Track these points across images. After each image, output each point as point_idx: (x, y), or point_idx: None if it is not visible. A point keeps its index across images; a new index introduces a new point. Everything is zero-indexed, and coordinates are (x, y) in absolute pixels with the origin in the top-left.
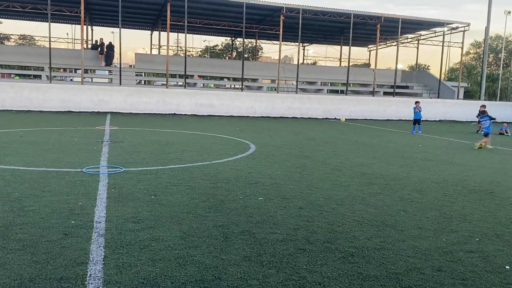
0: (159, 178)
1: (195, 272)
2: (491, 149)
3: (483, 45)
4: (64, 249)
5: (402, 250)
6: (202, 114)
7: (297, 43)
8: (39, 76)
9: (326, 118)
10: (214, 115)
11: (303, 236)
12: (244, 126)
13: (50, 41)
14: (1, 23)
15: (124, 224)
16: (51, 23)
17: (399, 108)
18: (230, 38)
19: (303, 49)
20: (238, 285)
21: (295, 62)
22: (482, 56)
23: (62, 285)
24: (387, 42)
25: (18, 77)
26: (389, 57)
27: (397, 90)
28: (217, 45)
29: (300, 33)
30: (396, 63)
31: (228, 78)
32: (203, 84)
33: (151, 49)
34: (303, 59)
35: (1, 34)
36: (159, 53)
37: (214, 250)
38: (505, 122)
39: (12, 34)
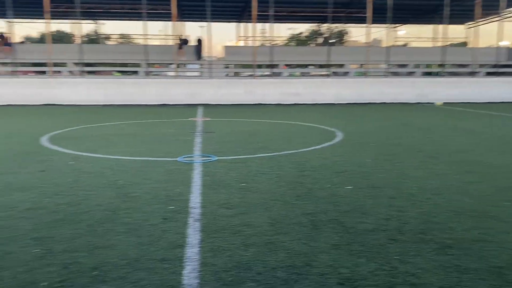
0: (249, 166)
1: (286, 258)
2: None
3: None
4: (164, 233)
5: (507, 242)
6: (288, 103)
7: (386, 25)
8: (137, 72)
9: (419, 103)
10: (300, 104)
11: (394, 227)
12: (330, 113)
13: (145, 38)
14: (104, 24)
15: (218, 209)
16: (146, 22)
17: (503, 89)
18: (315, 24)
19: (393, 31)
20: (328, 272)
21: (385, 45)
22: None
23: (164, 266)
24: (488, 18)
25: (119, 74)
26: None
27: (502, 70)
28: (301, 33)
29: (390, 14)
30: (499, 41)
31: (314, 65)
32: (289, 72)
33: (238, 41)
34: (394, 41)
35: (103, 34)
36: (245, 44)
37: (303, 237)
38: None
39: (112, 34)
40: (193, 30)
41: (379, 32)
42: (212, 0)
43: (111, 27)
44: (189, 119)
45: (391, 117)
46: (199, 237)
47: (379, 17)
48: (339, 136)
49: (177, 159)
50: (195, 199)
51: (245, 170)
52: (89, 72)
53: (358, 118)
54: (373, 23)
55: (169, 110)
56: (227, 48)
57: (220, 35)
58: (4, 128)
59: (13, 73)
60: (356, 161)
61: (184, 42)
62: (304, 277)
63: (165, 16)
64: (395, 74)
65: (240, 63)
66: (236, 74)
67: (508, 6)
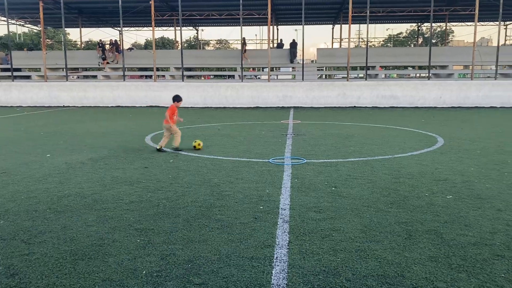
0: (339, 170)
1: (377, 267)
2: None
3: None
4: (254, 232)
5: None
6: (384, 106)
7: (496, 23)
8: (233, 76)
9: None
10: (397, 107)
11: (501, 241)
12: (432, 117)
13: (242, 43)
14: (203, 30)
15: (307, 212)
16: (242, 27)
17: None
18: (415, 24)
19: (505, 28)
20: (423, 285)
21: (494, 44)
22: None
23: (253, 264)
24: None
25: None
26: None
27: None
28: (401, 33)
29: (501, 10)
30: None
31: (413, 67)
32: (385, 74)
33: (332, 43)
34: (505, 40)
35: (203, 40)
36: (340, 46)
37: (397, 246)
38: None
39: (211, 40)
40: (287, 33)
41: (488, 31)
42: (307, 3)
43: (211, 34)
44: (281, 121)
45: (500, 123)
46: (288, 239)
47: (488, 14)
48: (440, 142)
49: (269, 160)
50: (285, 200)
51: (335, 174)
52: (189, 77)
53: (462, 123)
54: (481, 20)
55: (262, 113)
56: (320, 51)
57: (315, 38)
58: (116, 127)
59: (121, 77)
60: (459, 169)
61: (279, 45)
62: (396, 287)
63: (261, 21)
64: (506, 76)
65: (333, 65)
66: (329, 77)
67: None
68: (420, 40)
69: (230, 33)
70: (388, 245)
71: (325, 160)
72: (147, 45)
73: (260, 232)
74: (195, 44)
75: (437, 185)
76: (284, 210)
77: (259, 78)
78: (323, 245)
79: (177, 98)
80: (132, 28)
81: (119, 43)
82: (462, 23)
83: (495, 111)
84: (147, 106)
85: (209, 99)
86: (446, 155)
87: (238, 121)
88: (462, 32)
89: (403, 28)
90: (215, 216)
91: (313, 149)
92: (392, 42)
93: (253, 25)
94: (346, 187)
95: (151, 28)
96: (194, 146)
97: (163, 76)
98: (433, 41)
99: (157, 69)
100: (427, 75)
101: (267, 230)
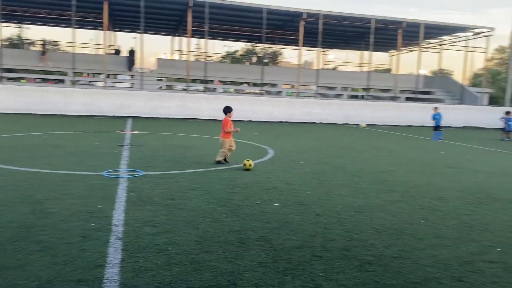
0: (178, 182)
1: (211, 277)
2: None
3: (508, 50)
4: (83, 252)
5: (421, 259)
6: (221, 119)
7: (317, 48)
8: (62, 81)
9: (346, 124)
10: (234, 120)
11: (320, 243)
12: (263, 131)
13: (74, 46)
14: (28, 28)
15: (142, 227)
16: (75, 29)
17: (421, 114)
18: (250, 43)
19: (323, 54)
20: None
21: (315, 67)
22: (507, 61)
23: (79, 287)
24: (409, 47)
25: (24, 81)
26: (411, 62)
27: (419, 96)
28: (237, 50)
29: (320, 38)
30: (418, 69)
31: (248, 83)
32: (223, 89)
33: (171, 54)
34: (323, 64)
35: (27, 39)
36: (180, 58)
37: (230, 255)
38: None
39: (37, 40)
40: (126, 40)
41: (310, 55)
42: (147, 11)
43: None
44: (118, 131)
45: (320, 137)
46: (120, 256)
47: (310, 41)
48: (271, 154)
49: (102, 173)
50: (118, 216)
51: (174, 186)
52: (10, 78)
53: (289, 136)
54: (304, 46)
55: (97, 122)
56: (161, 61)
57: (154, 48)
58: None
59: None
60: (286, 178)
61: (116, 52)
62: None
63: (96, 25)
64: (324, 95)
65: (173, 76)
66: (170, 88)
67: (426, 38)
68: (255, 58)
69: (60, 35)
70: (222, 255)
71: (164, 172)
72: None
73: (89, 252)
74: (18, 43)
75: (267, 194)
76: (118, 226)
77: (93, 84)
78: (157, 260)
79: (228, 110)
80: None
81: None
82: (290, 46)
83: (316, 126)
84: None
85: (34, 104)
86: (276, 165)
87: (69, 130)
88: (291, 54)
89: (239, 46)
90: (36, 237)
91: (151, 160)
92: (229, 59)
93: (88, 29)
94: (183, 199)
95: None
96: (244, 164)
97: None
98: (265, 60)
99: None
100: (260, 91)
101: (98, 249)
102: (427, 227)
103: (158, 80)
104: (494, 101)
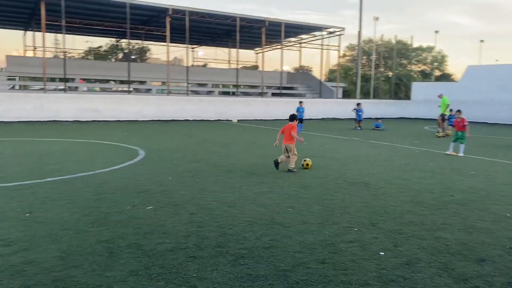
0: (36, 193)
1: None
2: (368, 143)
3: (357, 48)
4: None
5: (290, 246)
6: (86, 119)
7: (185, 45)
8: None
9: (219, 120)
10: (100, 121)
11: (194, 243)
12: (132, 131)
13: None
14: None
15: None
16: None
17: (286, 108)
18: (115, 39)
19: (192, 51)
20: None
21: (185, 64)
22: (356, 58)
23: None
24: (273, 45)
25: None
26: (276, 59)
27: (284, 91)
28: (101, 46)
29: (187, 35)
30: (281, 65)
31: (115, 81)
32: (87, 87)
33: (24, 51)
34: (193, 61)
35: None
36: (34, 55)
37: (98, 268)
38: (379, 118)
39: None
40: None
41: (180, 52)
42: None
43: None
44: None
45: (193, 134)
46: None
47: (178, 37)
48: (142, 155)
49: None
50: None
51: (31, 198)
52: None
53: (161, 135)
54: (172, 42)
55: None
56: (11, 58)
57: (4, 43)
58: None
59: None
60: (158, 179)
61: None
62: None
63: None
64: (196, 92)
65: (27, 75)
66: (24, 88)
67: (287, 36)
68: (121, 55)
69: None
70: (88, 268)
71: (19, 183)
72: None
73: None
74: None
75: (138, 197)
76: None
77: None
78: (13, 284)
79: (295, 117)
80: None
81: None
82: (157, 43)
83: (189, 124)
84: None
85: None
86: (147, 167)
87: None
88: (159, 51)
89: (103, 42)
90: None
91: (3, 171)
92: (93, 55)
93: None
94: (43, 211)
95: None
96: (302, 165)
97: None
98: (132, 57)
99: None
100: (128, 89)
101: None
102: (294, 214)
103: (10, 79)
104: (347, 94)
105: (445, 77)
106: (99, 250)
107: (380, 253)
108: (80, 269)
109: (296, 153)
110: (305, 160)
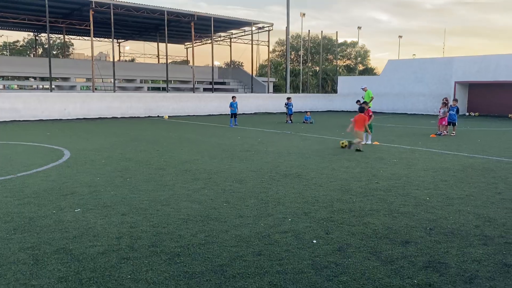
0: None
1: None
2: (299, 136)
3: (285, 43)
4: None
5: (226, 241)
6: (4, 119)
7: (110, 39)
8: None
9: (149, 117)
10: (19, 120)
11: (126, 244)
12: (56, 130)
13: None
14: None
15: None
16: None
17: (219, 103)
18: (33, 33)
19: (119, 46)
20: None
21: (111, 59)
22: (285, 53)
23: None
24: (203, 40)
25: None
26: (206, 54)
27: (215, 86)
28: (18, 41)
29: (113, 29)
30: (212, 60)
31: (35, 78)
32: (4, 85)
33: None
34: (120, 56)
35: None
36: None
37: (22, 276)
38: (308, 111)
39: None
40: None
41: (106, 46)
42: None
43: None
44: None
45: (122, 132)
46: None
47: (103, 31)
48: (67, 155)
49: None
50: None
51: None
52: None
53: (87, 134)
54: (97, 36)
55: None
56: None
57: None
58: None
59: None
60: (86, 180)
61: None
62: None
63: None
64: (124, 89)
65: None
66: None
67: (217, 31)
68: (40, 50)
69: None
70: (12, 278)
71: None
72: None
73: None
74: None
75: (65, 200)
76: None
77: None
78: None
79: (364, 109)
80: None
81: None
82: (80, 37)
83: (117, 121)
84: None
85: None
86: (73, 168)
87: None
88: (82, 46)
89: (20, 36)
90: None
91: None
92: (8, 51)
93: None
94: None
95: None
96: (341, 146)
97: None
98: (54, 52)
99: None
100: (49, 86)
101: None
102: (230, 209)
103: None
104: (277, 88)
105: (368, 71)
106: (23, 258)
107: (313, 241)
108: (3, 279)
109: (363, 138)
110: (343, 142)
